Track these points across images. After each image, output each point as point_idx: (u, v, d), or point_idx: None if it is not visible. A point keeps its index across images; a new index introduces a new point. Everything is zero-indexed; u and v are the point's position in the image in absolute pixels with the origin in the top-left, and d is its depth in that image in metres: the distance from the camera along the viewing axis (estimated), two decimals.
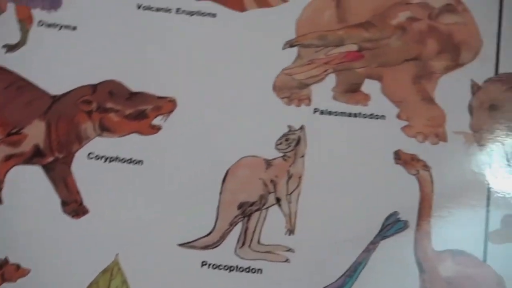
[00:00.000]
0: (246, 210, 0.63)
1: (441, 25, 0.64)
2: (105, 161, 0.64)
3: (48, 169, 0.64)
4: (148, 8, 0.67)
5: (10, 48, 0.67)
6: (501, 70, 0.64)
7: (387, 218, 0.62)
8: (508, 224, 0.62)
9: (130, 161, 0.64)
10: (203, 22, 0.66)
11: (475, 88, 0.64)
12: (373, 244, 0.61)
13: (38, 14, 0.68)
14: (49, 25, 0.67)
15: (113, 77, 0.65)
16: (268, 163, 0.64)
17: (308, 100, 0.65)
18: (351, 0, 0.66)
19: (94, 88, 0.65)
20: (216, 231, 0.62)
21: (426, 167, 0.63)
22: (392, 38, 0.64)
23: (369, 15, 0.65)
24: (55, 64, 0.66)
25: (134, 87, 0.65)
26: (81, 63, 0.66)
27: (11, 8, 0.68)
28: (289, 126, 0.64)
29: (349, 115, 0.64)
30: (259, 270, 0.62)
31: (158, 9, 0.67)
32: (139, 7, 0.67)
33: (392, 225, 0.62)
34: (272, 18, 0.66)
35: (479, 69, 0.64)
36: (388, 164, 0.63)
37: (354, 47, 0.64)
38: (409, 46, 0.64)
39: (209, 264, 0.62)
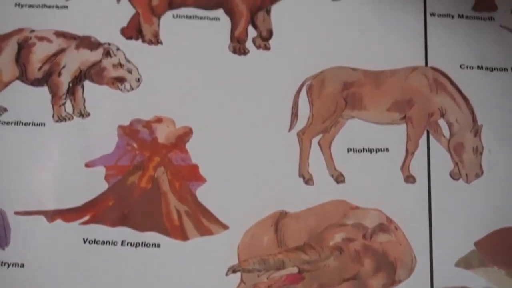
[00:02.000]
0: None
1: (375, 244, 0.67)
2: None
3: None
4: (94, 242, 0.69)
5: None
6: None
7: None
8: None
9: None
10: (147, 253, 0.68)
11: None
12: None
13: None
14: None
15: None
16: None
17: None
18: (288, 224, 0.69)
19: None
20: None
21: None
22: (330, 259, 0.66)
23: (306, 238, 0.68)
24: None
25: None
26: None
27: None
28: None
29: None
30: None
31: (103, 242, 0.69)
32: (85, 242, 0.69)
33: None
34: (214, 245, 0.69)
35: (415, 285, 0.66)
36: None
37: (294, 269, 0.66)
38: (347, 266, 0.66)
39: None
